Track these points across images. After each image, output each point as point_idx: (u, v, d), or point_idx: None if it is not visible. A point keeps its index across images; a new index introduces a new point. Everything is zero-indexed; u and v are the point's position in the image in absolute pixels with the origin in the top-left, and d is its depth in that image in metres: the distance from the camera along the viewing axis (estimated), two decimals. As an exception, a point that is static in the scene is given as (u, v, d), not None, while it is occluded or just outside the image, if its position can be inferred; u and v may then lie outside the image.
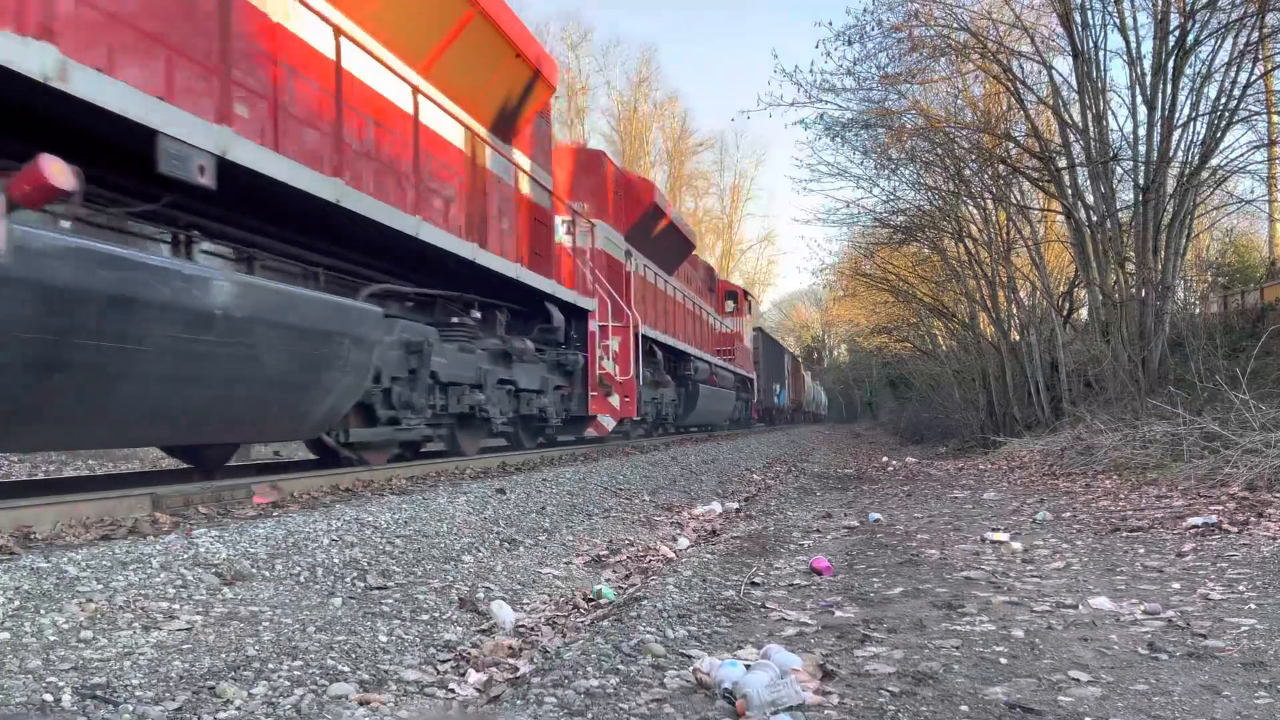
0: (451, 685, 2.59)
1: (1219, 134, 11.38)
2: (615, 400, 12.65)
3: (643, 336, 13.60)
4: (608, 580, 4.30)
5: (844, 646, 2.99)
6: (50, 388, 3.99)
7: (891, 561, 4.69)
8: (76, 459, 11.21)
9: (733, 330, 25.50)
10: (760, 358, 31.46)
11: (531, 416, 10.07)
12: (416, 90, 6.96)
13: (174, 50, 4.57)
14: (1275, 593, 3.61)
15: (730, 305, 26.51)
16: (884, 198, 18.82)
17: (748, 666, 2.52)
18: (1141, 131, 11.66)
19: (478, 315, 8.70)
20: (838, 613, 3.51)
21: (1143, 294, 11.54)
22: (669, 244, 17.49)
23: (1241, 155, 12.69)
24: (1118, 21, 12.00)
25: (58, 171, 3.55)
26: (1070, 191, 12.90)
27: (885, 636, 3.11)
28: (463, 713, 2.41)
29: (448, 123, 7.67)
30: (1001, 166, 15.17)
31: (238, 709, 2.20)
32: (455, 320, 8.26)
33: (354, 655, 2.67)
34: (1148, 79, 11.51)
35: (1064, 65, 13.15)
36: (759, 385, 30.27)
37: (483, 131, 8.43)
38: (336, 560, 3.56)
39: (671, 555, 5.05)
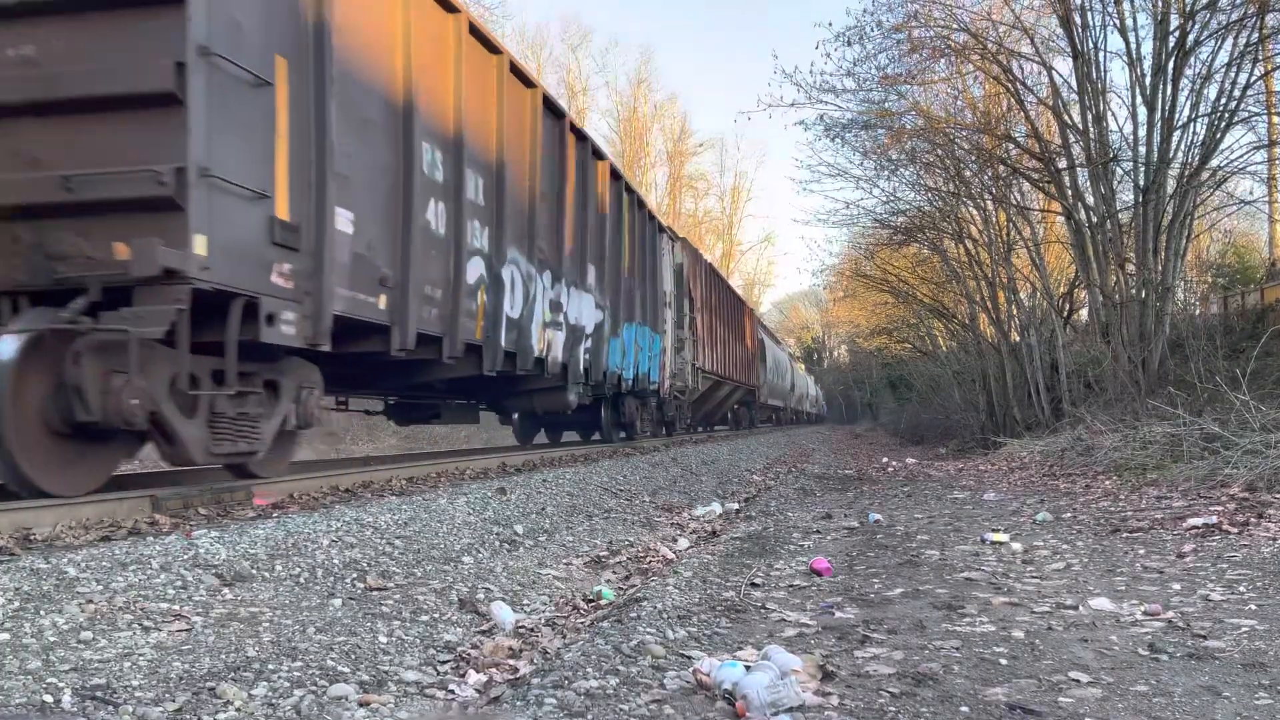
0: (451, 686, 2.59)
1: (1219, 135, 11.39)
2: None
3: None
4: (608, 581, 4.30)
5: (844, 647, 2.99)
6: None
7: (891, 562, 4.69)
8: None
9: None
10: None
11: None
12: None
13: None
14: (1275, 593, 3.61)
15: None
16: (884, 199, 18.85)
17: (748, 667, 2.52)
18: (1141, 132, 11.67)
19: None
20: (838, 614, 3.51)
21: (1143, 295, 11.53)
22: None
23: (1241, 156, 12.71)
24: (1117, 23, 12.01)
25: None
26: (1070, 192, 12.89)
27: (885, 637, 3.11)
28: (463, 713, 2.41)
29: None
30: (1001, 167, 15.16)
31: (238, 710, 2.20)
32: None
33: (354, 656, 2.67)
34: (1147, 80, 11.51)
35: (1064, 66, 13.16)
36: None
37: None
38: (336, 561, 3.56)
39: (671, 556, 5.05)
